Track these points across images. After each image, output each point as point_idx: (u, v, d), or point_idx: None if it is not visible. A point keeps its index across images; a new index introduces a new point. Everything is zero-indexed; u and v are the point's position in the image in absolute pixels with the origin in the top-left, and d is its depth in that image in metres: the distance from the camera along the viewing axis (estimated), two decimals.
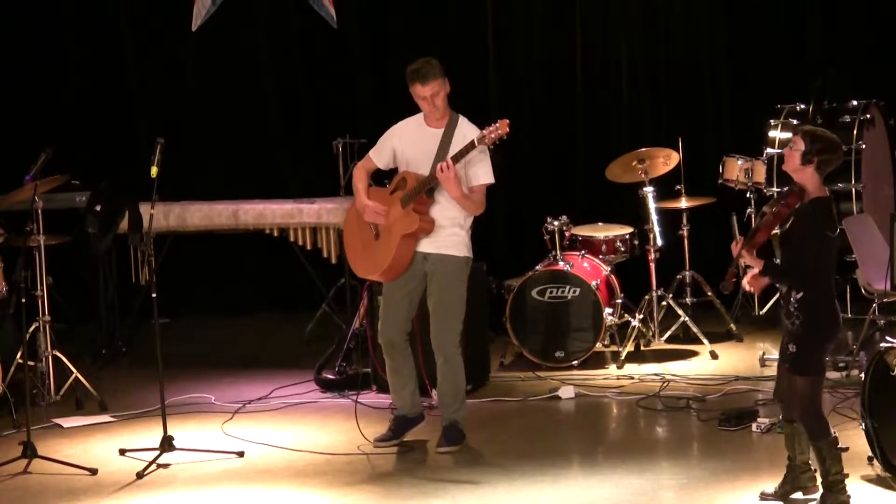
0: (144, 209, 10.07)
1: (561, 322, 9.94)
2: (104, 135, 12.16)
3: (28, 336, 9.11)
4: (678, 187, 10.57)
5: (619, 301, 10.27)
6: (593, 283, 9.92)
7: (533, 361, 9.96)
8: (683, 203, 10.60)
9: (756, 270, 6.82)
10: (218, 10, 12.20)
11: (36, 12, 12.23)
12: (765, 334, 10.59)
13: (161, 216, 10.46)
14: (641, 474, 7.56)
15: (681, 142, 10.49)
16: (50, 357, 9.54)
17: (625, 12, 11.95)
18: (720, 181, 10.76)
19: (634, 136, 11.60)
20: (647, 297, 10.31)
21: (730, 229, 9.63)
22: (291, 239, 10.60)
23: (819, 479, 6.85)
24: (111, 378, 10.25)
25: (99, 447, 8.51)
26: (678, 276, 10.72)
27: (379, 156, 8.23)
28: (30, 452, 8.08)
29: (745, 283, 6.94)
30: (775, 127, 10.78)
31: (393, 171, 8.28)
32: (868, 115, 10.63)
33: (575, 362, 9.92)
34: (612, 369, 9.90)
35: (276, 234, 10.67)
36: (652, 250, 10.25)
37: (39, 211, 9.43)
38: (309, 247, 10.58)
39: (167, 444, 8.06)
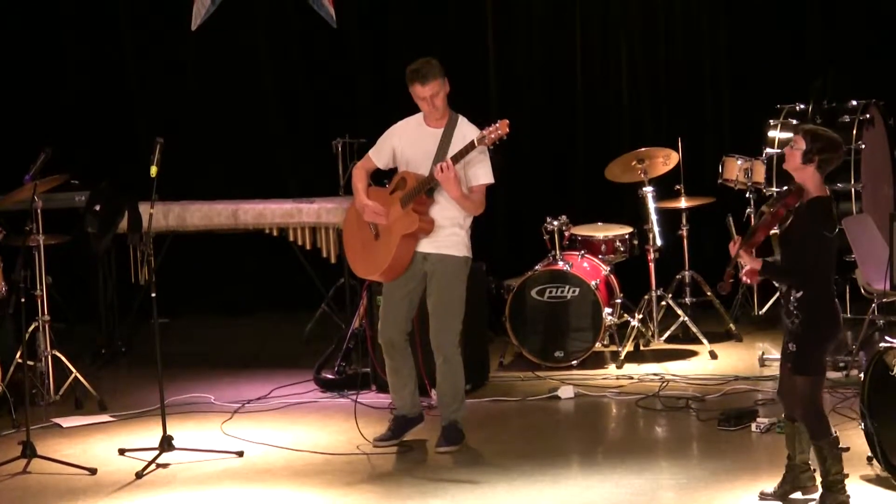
0: (144, 209, 10.07)
1: (560, 322, 9.94)
2: (104, 135, 12.16)
3: (27, 336, 9.11)
4: (678, 187, 10.57)
5: (619, 301, 10.27)
6: (593, 282, 9.92)
7: (532, 361, 9.96)
8: (683, 203, 10.60)
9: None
10: (218, 9, 12.19)
11: (36, 12, 12.23)
12: (764, 334, 10.58)
13: (161, 216, 10.47)
14: (641, 474, 7.56)
15: (680, 142, 10.49)
16: (49, 357, 9.53)
17: (625, 12, 11.95)
18: (720, 181, 10.76)
19: (634, 136, 11.60)
20: (646, 296, 10.31)
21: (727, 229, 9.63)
22: (291, 239, 10.60)
23: (818, 479, 6.85)
24: (111, 378, 10.24)
25: (98, 447, 8.50)
26: (677, 276, 10.72)
27: (378, 156, 8.22)
28: (29, 452, 8.08)
29: (743, 276, 6.94)
30: (775, 127, 10.77)
31: (393, 171, 8.27)
32: (868, 115, 10.62)
33: (574, 362, 9.91)
34: (611, 369, 9.90)
35: (275, 233, 10.67)
36: (651, 250, 10.25)
37: (39, 210, 9.43)
38: (308, 247, 10.58)
39: (167, 443, 8.05)
